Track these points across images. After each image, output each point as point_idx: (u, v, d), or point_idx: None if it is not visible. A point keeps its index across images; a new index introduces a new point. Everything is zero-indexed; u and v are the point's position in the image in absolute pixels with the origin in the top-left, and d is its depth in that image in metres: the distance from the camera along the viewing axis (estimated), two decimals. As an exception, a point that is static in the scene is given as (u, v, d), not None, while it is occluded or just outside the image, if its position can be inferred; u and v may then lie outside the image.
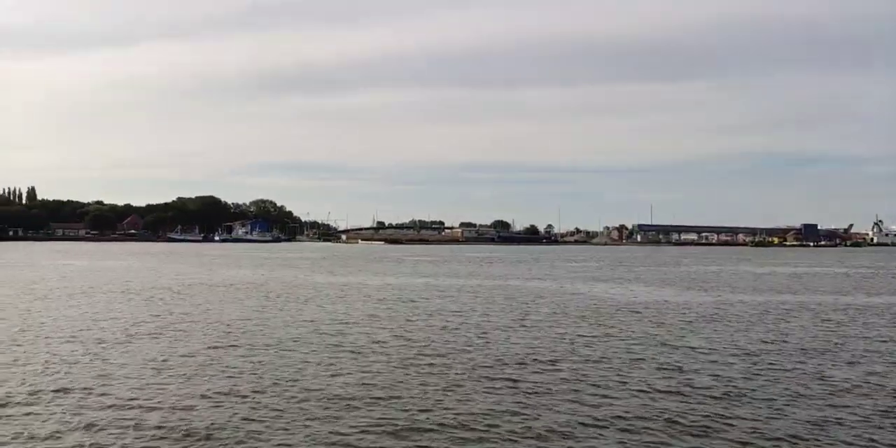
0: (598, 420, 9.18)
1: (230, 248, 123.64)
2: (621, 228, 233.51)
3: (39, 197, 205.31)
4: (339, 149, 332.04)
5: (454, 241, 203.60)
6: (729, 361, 13.34)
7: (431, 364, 12.77)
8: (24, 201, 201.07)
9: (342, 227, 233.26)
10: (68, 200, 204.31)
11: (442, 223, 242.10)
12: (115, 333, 16.17)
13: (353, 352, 14.00)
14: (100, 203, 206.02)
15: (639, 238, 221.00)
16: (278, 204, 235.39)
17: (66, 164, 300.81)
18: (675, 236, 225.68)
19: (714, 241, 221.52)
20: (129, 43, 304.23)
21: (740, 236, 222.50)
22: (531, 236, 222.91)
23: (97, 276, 37.26)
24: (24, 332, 16.33)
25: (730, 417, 9.34)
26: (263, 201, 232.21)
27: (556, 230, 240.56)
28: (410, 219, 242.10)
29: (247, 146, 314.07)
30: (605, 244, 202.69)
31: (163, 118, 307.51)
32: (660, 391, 10.76)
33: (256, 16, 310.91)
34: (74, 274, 39.71)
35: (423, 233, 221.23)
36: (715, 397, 10.41)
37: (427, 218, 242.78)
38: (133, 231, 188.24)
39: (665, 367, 12.72)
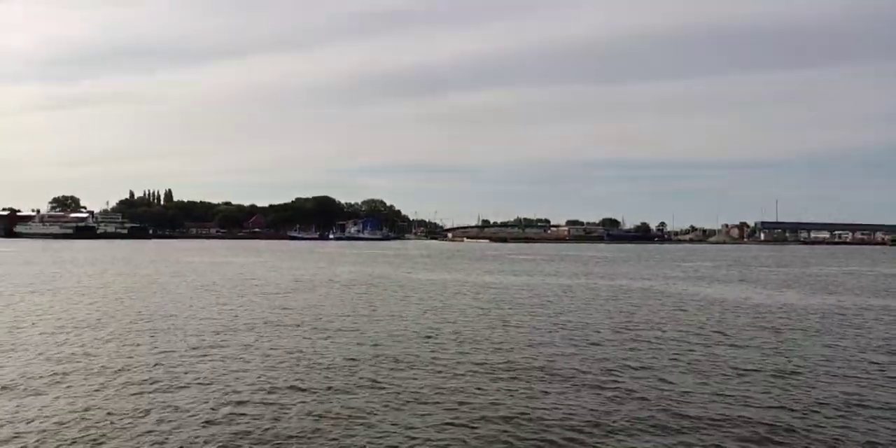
0: (690, 436, 8.75)
1: (343, 245, 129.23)
2: (742, 226, 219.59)
3: (175, 199, 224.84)
4: (447, 149, 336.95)
5: (560, 239, 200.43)
6: (850, 373, 12.23)
7: (513, 367, 12.71)
8: (161, 203, 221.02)
9: (448, 225, 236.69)
10: (200, 202, 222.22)
11: (548, 221, 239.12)
12: (222, 325, 17.42)
13: (438, 350, 14.20)
14: (228, 204, 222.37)
15: (762, 236, 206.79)
16: (388, 203, 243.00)
17: (198, 169, 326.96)
18: (803, 235, 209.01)
19: (848, 240, 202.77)
20: (249, 54, 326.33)
21: (878, 235, 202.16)
22: (642, 235, 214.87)
23: (221, 272, 40.24)
24: (144, 321, 18.00)
25: (848, 438, 8.58)
26: (374, 201, 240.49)
27: (669, 228, 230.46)
28: (515, 217, 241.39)
29: (359, 149, 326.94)
30: (724, 243, 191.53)
31: (282, 124, 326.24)
32: (767, 405, 10.07)
33: (367, 21, 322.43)
34: (199, 269, 43.13)
35: (528, 231, 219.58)
36: (830, 414, 9.59)
37: (532, 216, 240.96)
38: (257, 229, 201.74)
39: (775, 377, 11.85)
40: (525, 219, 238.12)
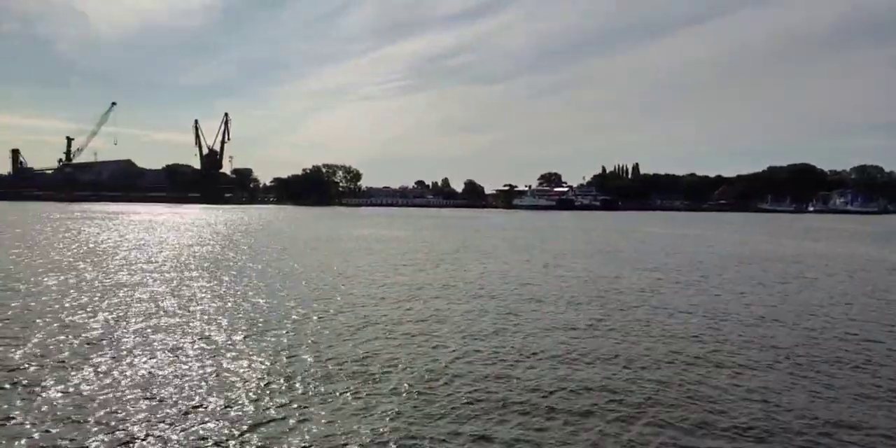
0: None
1: (826, 218, 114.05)
2: None
3: (642, 172, 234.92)
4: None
5: None
6: None
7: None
8: (629, 176, 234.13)
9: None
10: (665, 174, 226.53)
11: None
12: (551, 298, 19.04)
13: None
14: (692, 175, 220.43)
15: None
16: (887, 170, 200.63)
17: (662, 141, 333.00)
18: None
19: None
20: (708, 20, 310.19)
21: None
22: None
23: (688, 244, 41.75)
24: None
25: None
26: (867, 167, 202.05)
27: None
28: None
29: (842, 106, 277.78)
30: None
31: (748, 86, 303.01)
32: None
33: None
34: (661, 240, 45.46)
35: None
36: None
37: None
38: (723, 201, 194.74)
39: None
40: None
